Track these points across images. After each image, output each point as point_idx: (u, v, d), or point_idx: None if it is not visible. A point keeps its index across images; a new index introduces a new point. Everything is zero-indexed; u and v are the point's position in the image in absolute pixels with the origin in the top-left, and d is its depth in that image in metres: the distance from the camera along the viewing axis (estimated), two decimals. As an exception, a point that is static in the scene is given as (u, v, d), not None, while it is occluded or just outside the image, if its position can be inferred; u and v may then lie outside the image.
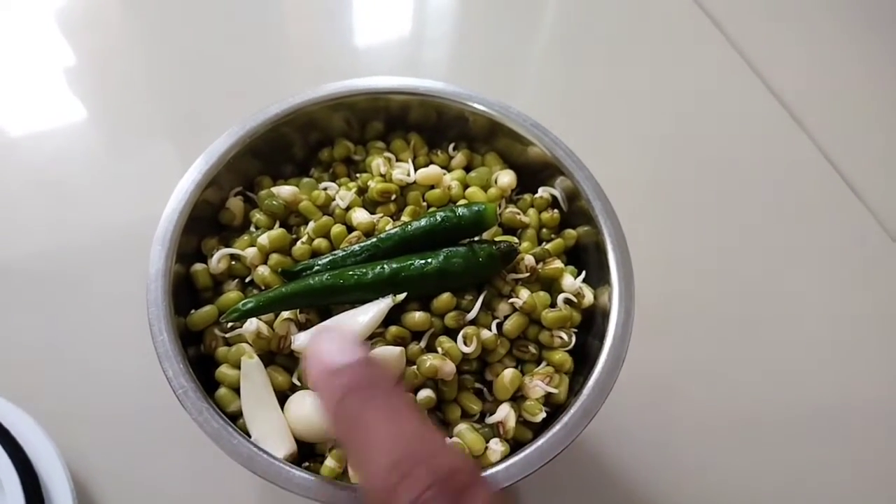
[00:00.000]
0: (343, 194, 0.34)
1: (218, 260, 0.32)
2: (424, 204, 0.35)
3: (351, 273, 0.30)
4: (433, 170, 0.35)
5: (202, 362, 0.31)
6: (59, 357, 0.42)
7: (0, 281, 0.44)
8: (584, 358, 0.32)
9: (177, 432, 0.39)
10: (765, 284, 0.48)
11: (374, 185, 0.34)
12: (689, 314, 0.47)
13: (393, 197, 0.34)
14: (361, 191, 0.35)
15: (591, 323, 0.33)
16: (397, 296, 0.29)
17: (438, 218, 0.31)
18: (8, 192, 0.48)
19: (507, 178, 0.36)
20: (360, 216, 0.33)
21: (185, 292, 0.31)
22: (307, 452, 0.29)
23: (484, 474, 0.27)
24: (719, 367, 0.45)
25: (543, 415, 0.30)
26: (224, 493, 0.38)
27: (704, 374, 0.44)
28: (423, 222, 0.31)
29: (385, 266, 0.30)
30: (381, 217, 0.33)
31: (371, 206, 0.35)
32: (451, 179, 0.35)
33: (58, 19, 0.59)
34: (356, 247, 0.31)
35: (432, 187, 0.35)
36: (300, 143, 0.37)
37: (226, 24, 0.60)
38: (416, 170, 0.35)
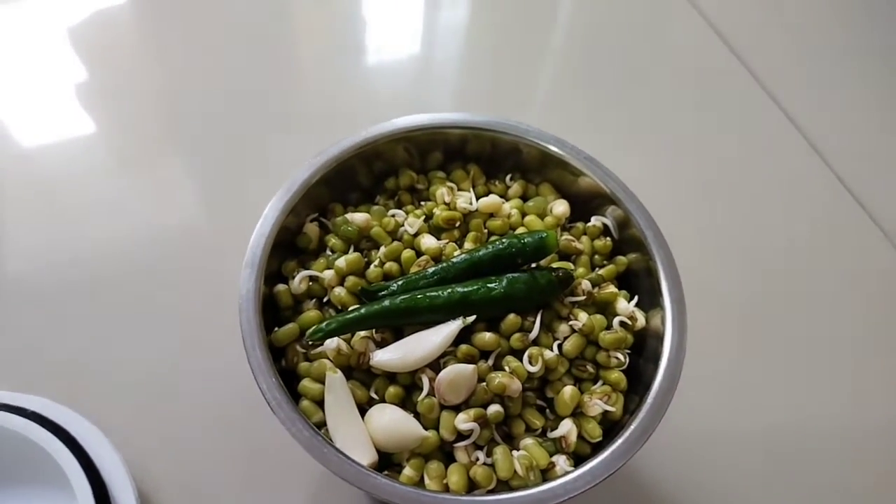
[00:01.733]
0: (412, 221, 0.36)
1: (299, 281, 0.34)
2: (485, 231, 0.37)
3: (423, 296, 0.32)
4: (493, 199, 0.38)
5: (282, 377, 0.33)
6: (124, 369, 0.44)
7: (64, 293, 0.46)
8: (636, 379, 0.34)
9: (236, 442, 0.41)
10: (805, 306, 0.50)
11: (440, 212, 0.37)
12: (729, 337, 0.48)
13: (457, 224, 0.37)
14: (427, 218, 0.37)
15: (641, 345, 0.35)
16: (467, 318, 0.32)
17: (504, 243, 0.34)
18: (48, 200, 0.51)
19: (561, 207, 0.38)
20: (428, 242, 0.35)
21: (267, 311, 0.34)
22: (384, 462, 0.31)
23: (553, 484, 0.29)
24: (762, 388, 0.46)
25: (601, 436, 0.32)
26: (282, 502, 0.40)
27: (745, 396, 0.46)
28: (490, 248, 0.34)
29: (454, 290, 0.32)
30: (448, 243, 0.36)
31: (436, 232, 0.37)
32: (511, 208, 0.38)
33: (72, 36, 0.62)
34: (428, 270, 0.34)
35: (492, 215, 0.38)
36: (365, 172, 0.40)
37: (242, 48, 0.63)
38: (476, 199, 0.38)
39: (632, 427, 0.30)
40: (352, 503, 0.40)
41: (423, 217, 0.37)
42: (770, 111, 0.63)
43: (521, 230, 0.37)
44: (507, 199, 0.39)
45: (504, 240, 0.34)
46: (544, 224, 0.38)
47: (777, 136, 0.61)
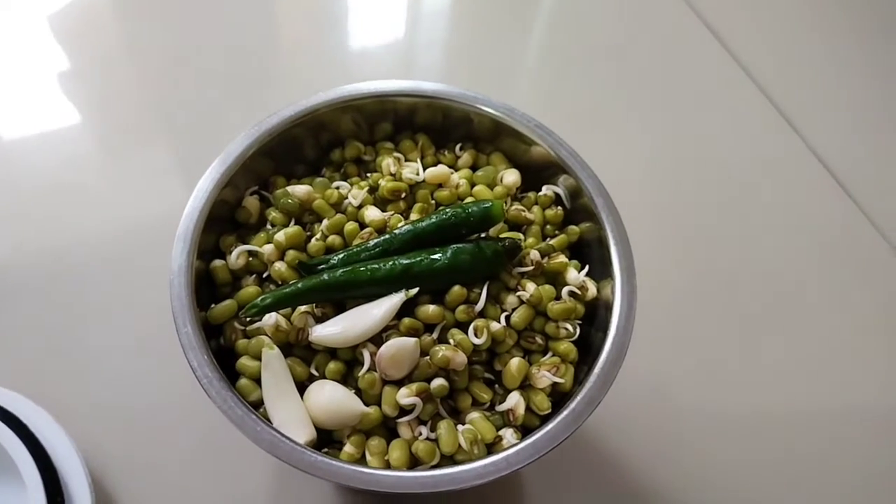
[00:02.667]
0: (355, 193, 0.35)
1: (237, 256, 0.33)
2: (433, 202, 0.36)
3: (364, 269, 0.31)
4: (441, 169, 0.37)
5: (221, 355, 0.32)
6: (74, 353, 0.43)
7: (14, 279, 0.45)
8: (587, 349, 0.33)
9: (190, 425, 0.40)
10: (762, 283, 0.50)
11: (385, 183, 0.35)
12: (686, 309, 0.48)
13: (403, 195, 0.36)
14: (372, 189, 0.36)
15: (593, 315, 0.34)
16: (410, 290, 0.31)
17: (448, 214, 0.33)
18: (13, 193, 0.50)
19: (511, 176, 0.37)
20: (372, 214, 0.34)
21: (204, 288, 0.33)
22: (325, 439, 0.30)
23: (496, 458, 0.28)
24: (717, 361, 0.46)
25: (550, 408, 0.32)
26: (237, 481, 0.39)
27: (702, 367, 0.46)
28: (433, 219, 0.33)
29: (396, 262, 0.31)
30: (393, 214, 0.35)
31: (382, 204, 0.36)
32: (459, 178, 0.37)
33: (52, 23, 0.60)
34: (370, 242, 0.33)
35: (440, 186, 0.37)
36: (311, 143, 0.39)
37: (221, 30, 0.62)
38: (424, 169, 0.37)
39: (578, 398, 0.30)
40: (313, 480, 0.39)
41: (368, 189, 0.36)
42: (740, 83, 0.62)
43: (469, 200, 0.36)
44: (457, 170, 0.38)
45: (448, 210, 0.33)
46: (494, 194, 0.37)
47: (744, 108, 0.61)
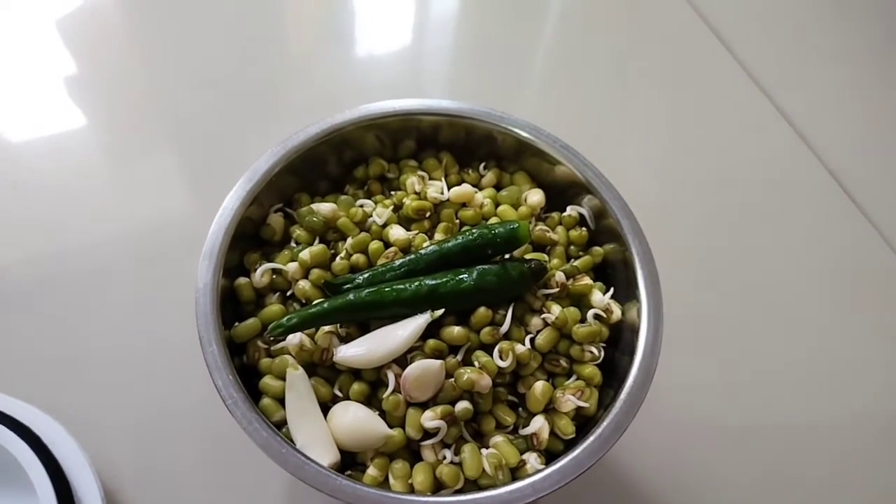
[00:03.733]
0: (380, 211, 0.35)
1: (261, 274, 0.33)
2: (457, 221, 0.36)
3: (390, 289, 0.31)
4: (466, 188, 0.37)
5: (243, 373, 0.32)
6: (89, 366, 0.42)
7: (25, 288, 0.45)
8: (611, 372, 0.33)
9: (204, 439, 0.40)
10: (775, 299, 0.49)
11: (410, 202, 0.35)
12: (706, 329, 0.47)
13: (427, 214, 0.36)
14: (396, 208, 0.36)
15: (618, 338, 0.34)
16: (436, 311, 0.31)
17: (475, 234, 0.33)
18: (23, 198, 0.50)
19: (536, 196, 0.37)
20: (396, 233, 0.34)
21: (228, 305, 0.32)
22: (348, 461, 0.30)
23: (521, 484, 0.27)
24: (738, 380, 0.45)
25: (574, 432, 0.31)
26: (251, 497, 0.39)
27: (722, 387, 0.45)
28: (459, 239, 0.33)
29: (422, 283, 0.31)
30: (417, 234, 0.35)
31: (405, 223, 0.36)
32: (483, 198, 0.37)
33: (60, 27, 0.60)
34: (396, 262, 0.32)
35: (464, 205, 0.37)
36: (335, 161, 0.39)
37: (230, 38, 0.62)
38: (448, 188, 0.37)
39: (604, 423, 0.29)
40: (328, 498, 0.39)
41: (393, 207, 0.36)
42: (759, 102, 0.62)
43: (493, 220, 0.36)
44: (481, 189, 0.38)
45: (474, 230, 0.33)
46: (518, 214, 0.36)
47: (763, 128, 0.60)
